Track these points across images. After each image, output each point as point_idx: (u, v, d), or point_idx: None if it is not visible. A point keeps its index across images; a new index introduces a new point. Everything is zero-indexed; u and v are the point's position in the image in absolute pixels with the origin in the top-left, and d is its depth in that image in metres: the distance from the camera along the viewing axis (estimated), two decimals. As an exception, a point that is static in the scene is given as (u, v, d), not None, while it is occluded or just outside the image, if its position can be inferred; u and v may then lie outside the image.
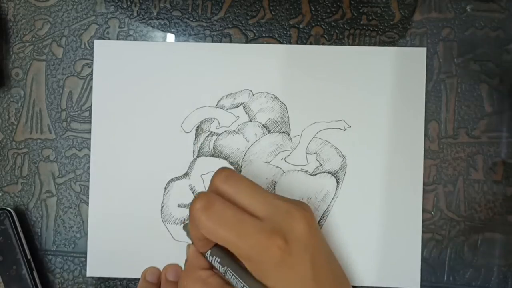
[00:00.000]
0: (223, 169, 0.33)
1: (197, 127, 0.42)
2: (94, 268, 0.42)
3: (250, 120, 0.42)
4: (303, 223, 0.32)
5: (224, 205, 0.32)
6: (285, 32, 0.42)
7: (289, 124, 0.42)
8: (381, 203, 0.41)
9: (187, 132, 0.42)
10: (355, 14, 0.42)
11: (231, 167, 0.42)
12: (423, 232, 0.41)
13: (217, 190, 0.33)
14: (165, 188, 0.42)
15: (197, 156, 0.42)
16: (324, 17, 0.42)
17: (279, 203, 0.32)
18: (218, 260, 0.33)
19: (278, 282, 0.31)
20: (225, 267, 0.33)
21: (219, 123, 0.42)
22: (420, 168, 0.41)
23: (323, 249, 0.33)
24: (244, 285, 0.31)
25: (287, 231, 0.31)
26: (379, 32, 0.42)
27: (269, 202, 0.32)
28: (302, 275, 0.31)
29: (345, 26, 0.42)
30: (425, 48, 0.42)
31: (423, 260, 0.41)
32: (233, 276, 0.32)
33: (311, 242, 0.32)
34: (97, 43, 0.42)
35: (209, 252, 0.34)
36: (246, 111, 0.42)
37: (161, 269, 0.41)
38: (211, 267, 0.34)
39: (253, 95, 0.42)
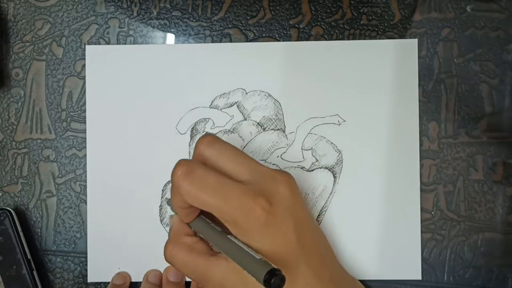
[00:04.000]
0: (207, 134, 0.34)
1: (192, 128, 0.42)
2: (95, 274, 0.42)
3: (245, 119, 0.42)
4: (286, 186, 0.32)
5: (205, 170, 0.32)
6: (285, 32, 0.42)
7: (284, 121, 0.42)
8: (379, 196, 0.41)
9: (182, 134, 0.42)
10: (355, 14, 0.42)
11: None
12: (423, 232, 0.41)
13: (201, 155, 0.33)
14: (162, 191, 0.42)
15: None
16: (324, 17, 0.42)
17: (262, 168, 0.33)
18: (202, 231, 0.33)
19: (263, 242, 0.31)
20: (211, 244, 0.33)
21: (213, 123, 0.42)
22: (417, 158, 0.41)
23: (305, 213, 0.34)
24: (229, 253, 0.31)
25: (271, 194, 0.31)
26: (379, 32, 0.42)
27: (252, 166, 0.33)
28: (286, 236, 0.32)
29: (345, 26, 0.42)
30: (416, 40, 0.42)
31: (423, 260, 0.41)
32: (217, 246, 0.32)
33: (294, 205, 0.32)
34: (89, 48, 0.42)
35: (193, 223, 0.34)
36: (240, 110, 0.42)
37: (162, 271, 0.41)
38: (195, 234, 0.35)
39: (246, 93, 0.42)
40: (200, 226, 0.34)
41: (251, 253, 0.30)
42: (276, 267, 0.28)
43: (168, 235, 0.37)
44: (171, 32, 0.43)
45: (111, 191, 0.42)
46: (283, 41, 0.42)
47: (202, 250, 0.34)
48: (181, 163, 0.32)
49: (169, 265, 0.41)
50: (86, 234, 0.42)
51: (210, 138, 0.34)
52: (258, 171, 0.33)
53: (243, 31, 0.42)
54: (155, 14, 0.43)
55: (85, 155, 0.42)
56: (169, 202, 0.38)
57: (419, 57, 0.42)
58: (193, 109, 0.42)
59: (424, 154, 0.42)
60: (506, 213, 0.41)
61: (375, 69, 0.42)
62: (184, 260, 0.34)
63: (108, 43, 0.43)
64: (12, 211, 0.41)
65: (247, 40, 0.42)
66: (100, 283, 0.42)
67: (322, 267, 0.34)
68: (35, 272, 0.41)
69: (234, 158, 0.33)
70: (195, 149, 0.34)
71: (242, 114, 0.42)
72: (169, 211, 0.42)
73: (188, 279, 0.42)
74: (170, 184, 0.39)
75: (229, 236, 0.32)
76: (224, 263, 0.32)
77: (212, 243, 0.33)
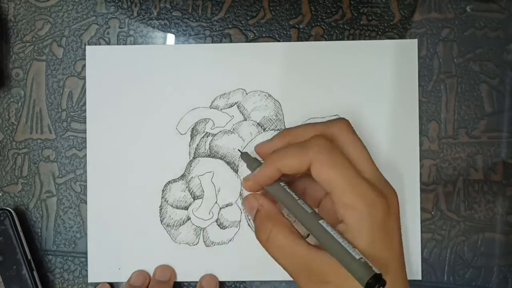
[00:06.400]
0: (341, 119, 0.34)
1: (192, 128, 0.42)
2: (95, 274, 0.42)
3: (245, 119, 0.42)
4: (397, 200, 0.33)
5: (343, 155, 0.32)
6: (285, 32, 0.42)
7: (284, 121, 0.42)
8: None
9: (182, 134, 0.42)
10: (355, 14, 0.42)
11: (228, 167, 0.42)
12: (423, 232, 0.41)
13: (337, 135, 0.33)
14: (163, 191, 0.42)
15: (193, 157, 0.42)
16: (324, 17, 0.42)
17: (380, 173, 0.33)
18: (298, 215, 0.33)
19: (372, 244, 0.30)
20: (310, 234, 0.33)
21: (214, 123, 0.42)
22: (417, 158, 0.41)
23: (401, 230, 0.34)
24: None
25: (388, 199, 0.32)
26: (379, 32, 0.42)
27: (374, 168, 0.33)
28: (393, 245, 0.32)
29: (345, 26, 0.42)
30: (416, 40, 0.42)
31: (423, 260, 0.41)
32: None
33: (399, 220, 0.33)
34: (89, 48, 0.42)
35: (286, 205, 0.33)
36: (240, 111, 0.42)
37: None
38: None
39: (246, 94, 0.42)
40: (296, 209, 0.33)
41: (352, 252, 0.29)
42: (379, 271, 0.28)
43: (252, 213, 0.35)
44: (171, 32, 0.43)
45: (111, 191, 0.42)
46: (283, 41, 0.42)
47: (300, 236, 0.32)
48: (325, 139, 0.32)
49: (159, 265, 0.41)
50: (86, 234, 0.42)
51: (349, 125, 0.34)
52: (379, 175, 0.33)
53: (243, 31, 0.42)
54: (155, 14, 0.43)
55: (85, 155, 0.42)
56: (245, 158, 0.37)
57: (419, 57, 0.42)
58: (193, 109, 0.42)
59: (424, 154, 0.42)
60: (506, 213, 0.41)
61: (375, 69, 0.42)
62: (284, 245, 0.32)
63: (108, 43, 0.43)
64: (12, 211, 0.41)
65: (247, 40, 0.42)
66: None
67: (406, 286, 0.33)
68: (35, 272, 0.41)
69: (364, 153, 0.33)
70: (328, 125, 0.34)
71: (242, 115, 0.42)
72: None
73: (179, 280, 0.42)
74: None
75: (324, 223, 0.31)
76: (327, 256, 0.31)
77: (315, 236, 0.32)
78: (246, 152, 0.37)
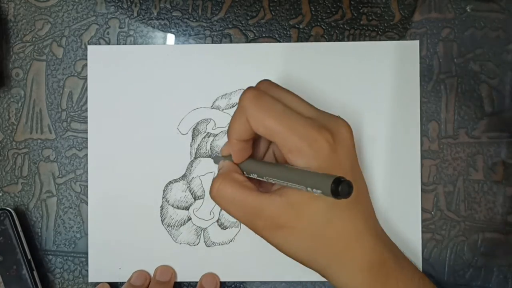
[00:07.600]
0: (264, 80, 0.35)
1: (194, 128, 0.42)
2: (96, 274, 0.42)
3: None
4: (347, 129, 0.33)
5: (273, 99, 0.32)
6: (285, 32, 0.42)
7: None
8: (379, 196, 0.41)
9: (183, 134, 0.42)
10: (355, 14, 0.42)
11: None
12: (423, 232, 0.41)
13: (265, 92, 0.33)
14: (164, 191, 0.42)
15: (195, 158, 0.42)
16: (324, 17, 0.42)
17: (323, 111, 0.34)
18: (256, 172, 0.34)
19: (323, 171, 0.30)
20: (265, 176, 0.33)
21: (215, 123, 0.42)
22: (418, 158, 0.41)
23: (357, 160, 0.34)
24: (288, 183, 0.31)
25: (334, 131, 0.32)
26: (379, 32, 0.42)
27: (313, 107, 0.34)
28: (344, 170, 0.32)
29: (345, 26, 0.42)
30: (417, 41, 0.42)
31: (423, 260, 0.41)
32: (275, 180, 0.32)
33: (352, 149, 0.33)
34: (90, 48, 0.42)
35: (244, 164, 0.35)
36: None
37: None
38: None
39: None
40: (252, 164, 0.34)
41: (310, 171, 0.29)
42: (339, 176, 0.27)
43: (216, 175, 0.36)
44: (171, 32, 0.43)
45: (112, 191, 0.42)
46: (283, 41, 0.42)
47: (253, 187, 0.33)
48: (250, 89, 0.33)
49: (159, 265, 0.41)
50: (86, 235, 0.42)
51: (269, 82, 0.35)
52: (320, 112, 0.33)
53: (243, 31, 0.42)
54: (155, 14, 0.43)
55: (85, 155, 0.42)
56: (215, 159, 0.40)
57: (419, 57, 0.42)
58: (194, 109, 0.42)
59: (424, 154, 0.42)
60: (506, 213, 0.41)
61: (376, 70, 0.42)
62: (234, 196, 0.33)
63: (108, 43, 0.43)
64: (12, 211, 0.41)
65: (247, 40, 0.42)
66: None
67: (369, 215, 0.34)
68: (35, 272, 0.41)
69: (295, 98, 0.34)
70: (256, 87, 0.34)
71: (243, 115, 0.42)
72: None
73: (180, 280, 0.42)
74: (237, 111, 0.35)
75: (286, 165, 0.32)
76: (278, 198, 0.32)
77: (269, 175, 0.32)
78: (217, 156, 0.39)
